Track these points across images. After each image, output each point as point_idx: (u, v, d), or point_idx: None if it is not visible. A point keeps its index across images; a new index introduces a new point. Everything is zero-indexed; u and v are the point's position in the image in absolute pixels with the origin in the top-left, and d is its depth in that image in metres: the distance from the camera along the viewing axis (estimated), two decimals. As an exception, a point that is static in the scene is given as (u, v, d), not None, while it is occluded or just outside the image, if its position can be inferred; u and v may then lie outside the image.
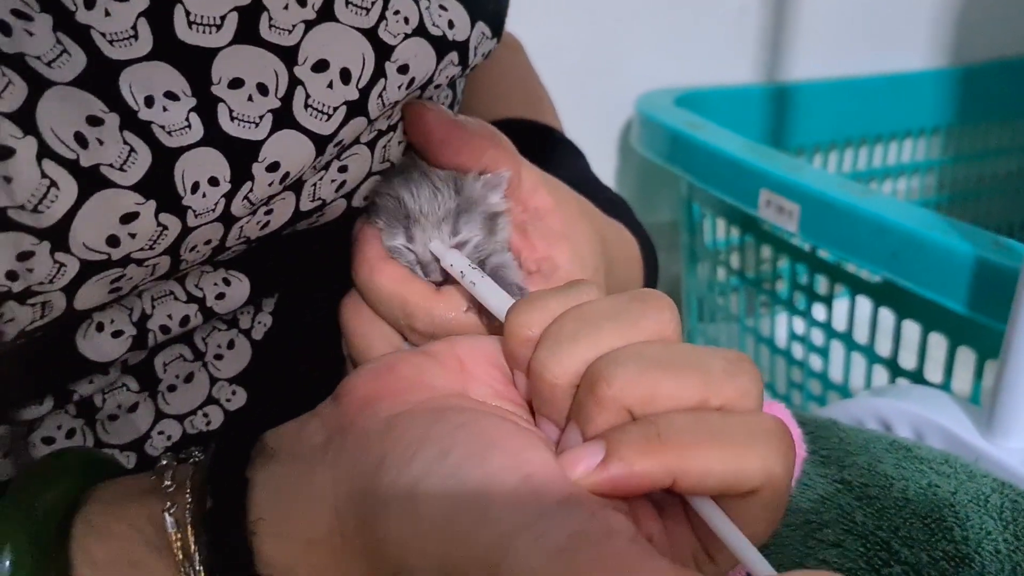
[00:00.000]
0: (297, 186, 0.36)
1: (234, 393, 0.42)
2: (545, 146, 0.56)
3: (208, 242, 0.35)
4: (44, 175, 0.29)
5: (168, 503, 0.30)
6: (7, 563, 0.29)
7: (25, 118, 0.28)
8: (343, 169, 0.38)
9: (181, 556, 0.29)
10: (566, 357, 0.28)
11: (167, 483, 0.31)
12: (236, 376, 0.42)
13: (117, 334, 0.37)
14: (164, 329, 0.38)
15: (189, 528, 0.30)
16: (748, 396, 0.28)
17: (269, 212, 0.36)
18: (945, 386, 0.86)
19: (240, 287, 0.40)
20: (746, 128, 1.25)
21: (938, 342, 0.86)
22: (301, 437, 0.32)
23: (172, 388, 0.40)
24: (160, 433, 0.40)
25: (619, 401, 0.27)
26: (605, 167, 1.31)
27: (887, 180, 1.48)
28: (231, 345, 0.42)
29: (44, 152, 0.29)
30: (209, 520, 0.30)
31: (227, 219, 0.34)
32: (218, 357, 0.41)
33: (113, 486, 0.33)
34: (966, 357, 0.84)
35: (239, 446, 0.32)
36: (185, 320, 0.39)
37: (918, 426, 0.69)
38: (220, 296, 0.39)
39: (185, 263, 0.35)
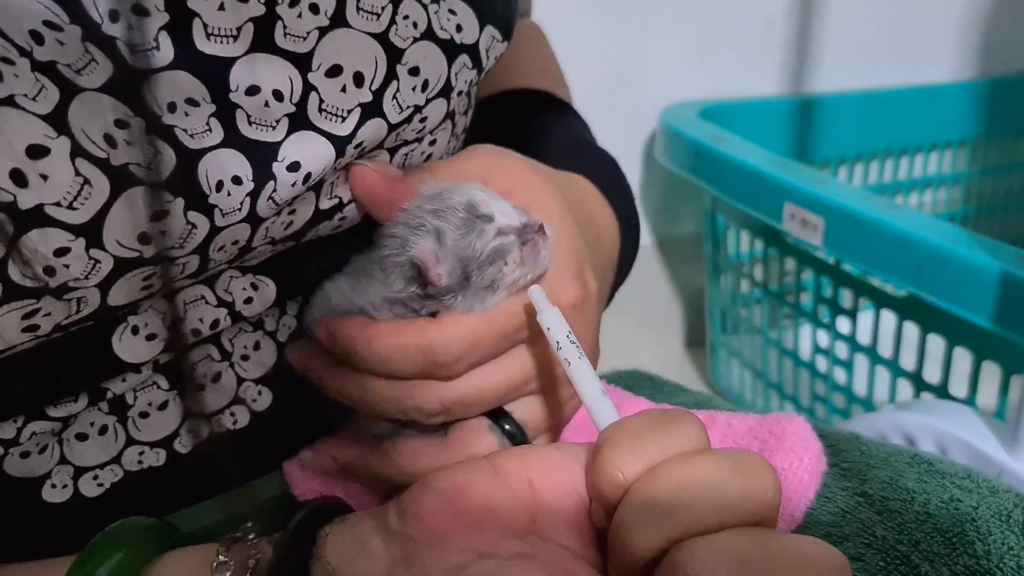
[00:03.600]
0: (317, 186, 0.38)
1: (260, 393, 0.43)
2: (532, 111, 0.56)
3: (236, 242, 0.36)
4: (78, 173, 0.30)
5: None
6: None
7: (58, 119, 0.30)
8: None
9: None
10: (655, 533, 0.27)
11: None
12: (262, 377, 0.43)
13: (151, 337, 0.38)
14: (195, 332, 0.39)
15: None
16: None
17: (292, 212, 0.37)
18: (970, 401, 0.86)
19: (267, 291, 0.41)
20: (771, 140, 1.25)
21: (963, 356, 0.86)
22: (362, 557, 0.31)
23: (201, 388, 0.42)
24: (189, 431, 0.42)
25: None
26: (629, 178, 1.31)
27: (912, 192, 1.47)
28: (257, 346, 0.43)
29: (77, 151, 0.30)
30: None
31: (253, 219, 0.35)
32: (244, 358, 0.43)
33: (169, 570, 0.33)
34: (991, 372, 0.83)
35: (298, 554, 0.32)
36: (215, 323, 0.40)
37: (942, 441, 0.69)
38: (248, 300, 0.40)
39: (214, 263, 0.36)
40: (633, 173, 1.32)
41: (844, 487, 0.46)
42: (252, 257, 0.39)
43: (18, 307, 0.31)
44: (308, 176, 0.36)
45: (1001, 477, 0.49)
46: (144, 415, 0.40)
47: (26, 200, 0.29)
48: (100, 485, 0.40)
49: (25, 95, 0.29)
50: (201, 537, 0.41)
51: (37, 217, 0.30)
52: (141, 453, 0.41)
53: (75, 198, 0.30)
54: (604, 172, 0.51)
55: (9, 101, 0.29)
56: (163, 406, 0.41)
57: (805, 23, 1.33)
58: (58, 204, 0.30)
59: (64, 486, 0.39)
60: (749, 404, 1.24)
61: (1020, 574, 0.40)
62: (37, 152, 0.29)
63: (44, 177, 0.30)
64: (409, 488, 0.32)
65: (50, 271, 0.30)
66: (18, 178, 0.29)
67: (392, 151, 0.40)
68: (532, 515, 0.31)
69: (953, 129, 1.46)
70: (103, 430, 0.39)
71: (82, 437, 0.39)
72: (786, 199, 0.89)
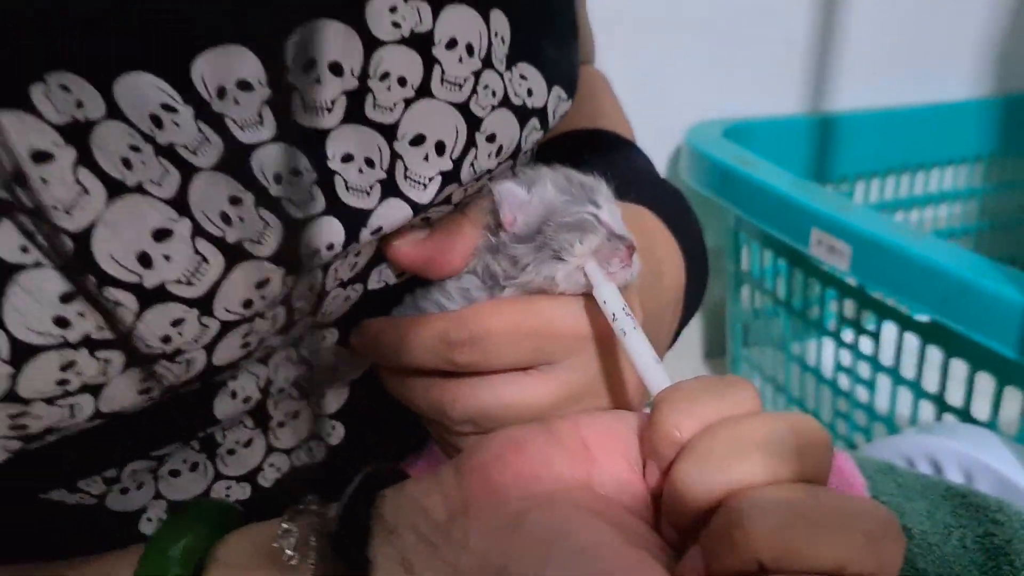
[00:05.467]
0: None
1: (334, 428, 0.46)
2: (596, 146, 0.56)
3: (311, 287, 0.38)
4: (197, 251, 0.32)
5: None
6: None
7: (180, 202, 0.31)
8: (426, 219, 0.42)
9: None
10: (712, 483, 0.28)
11: (288, 553, 0.32)
12: (336, 412, 0.46)
13: (246, 400, 0.40)
14: (279, 390, 0.42)
15: None
16: (887, 569, 0.26)
17: (358, 255, 0.39)
18: (991, 424, 0.88)
19: (331, 339, 0.43)
20: (792, 157, 1.27)
21: (985, 379, 0.88)
22: (421, 510, 0.32)
23: (281, 424, 0.44)
24: (271, 465, 0.44)
25: (753, 553, 0.26)
26: (652, 194, 1.33)
27: (928, 207, 1.50)
28: (331, 383, 0.45)
29: (197, 231, 0.32)
30: None
31: (325, 267, 0.37)
32: (321, 396, 0.45)
33: (237, 547, 0.35)
34: (1013, 395, 0.85)
35: (359, 514, 0.33)
36: (296, 380, 0.42)
37: (968, 466, 0.71)
38: (312, 351, 0.43)
39: (296, 311, 0.38)
40: (656, 189, 1.34)
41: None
42: (327, 306, 0.40)
43: (136, 372, 0.32)
44: (380, 230, 0.38)
45: (1030, 509, 0.51)
46: (231, 452, 0.43)
47: (150, 280, 0.31)
48: None
49: (151, 180, 0.30)
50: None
51: (159, 294, 0.31)
52: (228, 487, 0.43)
53: (192, 274, 0.32)
54: (670, 205, 0.52)
55: (139, 188, 0.30)
56: (248, 443, 0.43)
57: (824, 42, 1.36)
58: (178, 281, 0.31)
59: (160, 519, 0.42)
60: (770, 418, 1.26)
61: None
62: (162, 235, 0.31)
63: (167, 257, 0.31)
64: (466, 447, 0.34)
65: (166, 339, 0.32)
66: (144, 260, 0.31)
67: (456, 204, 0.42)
68: (587, 471, 0.31)
69: (969, 145, 1.48)
70: (194, 466, 0.42)
71: (175, 473, 0.42)
72: (813, 225, 0.91)
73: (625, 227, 0.40)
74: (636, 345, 0.35)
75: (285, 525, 0.33)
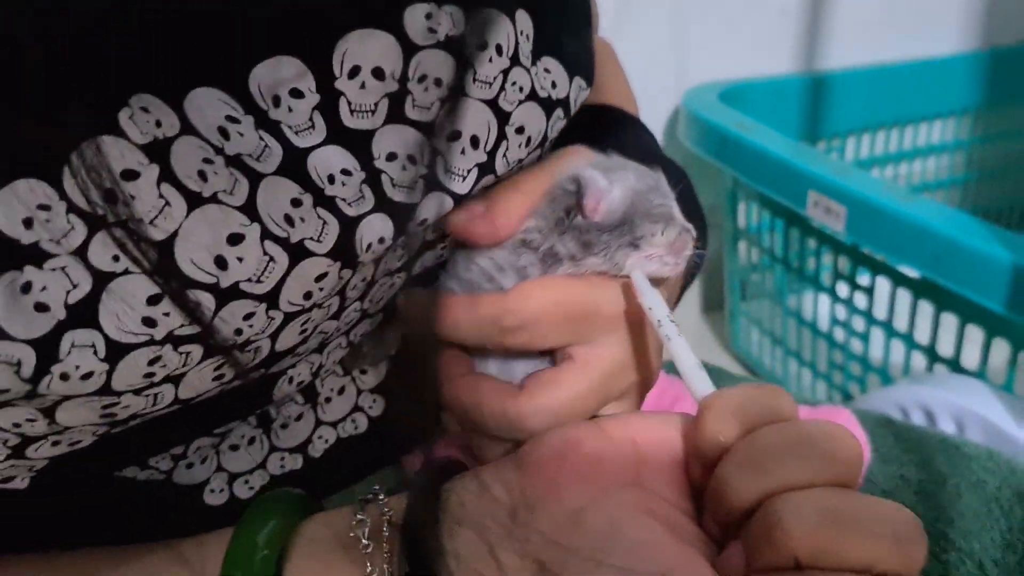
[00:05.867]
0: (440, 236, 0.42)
1: (375, 401, 0.49)
2: (605, 124, 0.58)
3: (364, 279, 0.40)
4: (265, 252, 0.34)
5: (368, 568, 0.34)
6: None
7: (250, 208, 0.33)
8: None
9: None
10: (753, 485, 0.30)
11: (364, 542, 0.35)
12: (376, 387, 0.49)
13: (300, 384, 0.44)
14: (327, 372, 0.45)
15: None
16: (912, 568, 0.28)
17: (404, 246, 0.42)
18: (981, 373, 0.91)
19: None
20: (786, 116, 1.30)
21: (974, 331, 0.91)
22: (485, 502, 0.34)
23: (328, 400, 0.47)
24: (319, 438, 0.47)
25: (791, 551, 0.28)
26: (649, 155, 1.36)
27: (917, 160, 1.53)
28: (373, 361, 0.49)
29: (265, 235, 0.34)
30: None
31: (376, 260, 0.40)
32: (363, 372, 0.48)
33: (316, 533, 0.38)
34: (1001, 346, 0.89)
35: (427, 507, 0.35)
36: (342, 362, 0.46)
37: (959, 416, 0.75)
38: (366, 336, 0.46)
39: (348, 300, 0.41)
40: (654, 149, 1.36)
41: (885, 472, 0.52)
42: (375, 294, 0.43)
43: (212, 362, 0.35)
44: (424, 221, 0.40)
45: (1019, 456, 0.55)
46: (284, 426, 0.46)
47: (225, 280, 0.33)
48: (251, 488, 0.46)
49: (224, 190, 0.33)
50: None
51: (233, 293, 0.34)
52: (282, 459, 0.47)
53: (262, 273, 0.34)
54: (676, 184, 0.55)
55: (213, 198, 0.32)
56: (299, 418, 0.47)
57: (816, 2, 1.38)
58: (249, 280, 0.34)
59: (221, 490, 0.45)
60: (768, 370, 1.30)
61: None
62: (235, 240, 0.33)
63: (240, 260, 0.33)
64: (525, 444, 0.36)
65: (238, 332, 0.35)
66: (220, 263, 0.33)
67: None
68: (636, 469, 0.34)
69: (956, 99, 1.50)
70: (251, 441, 0.45)
71: (234, 448, 0.45)
72: (810, 187, 0.94)
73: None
74: (680, 351, 0.37)
75: (359, 516, 0.36)
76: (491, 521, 0.34)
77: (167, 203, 0.32)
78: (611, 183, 0.40)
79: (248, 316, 0.35)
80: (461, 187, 0.40)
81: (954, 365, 0.96)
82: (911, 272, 0.97)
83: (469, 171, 0.40)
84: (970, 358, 0.93)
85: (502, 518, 0.34)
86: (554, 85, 0.44)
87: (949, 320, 0.94)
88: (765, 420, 0.31)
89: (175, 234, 0.32)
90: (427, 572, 0.33)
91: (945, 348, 0.96)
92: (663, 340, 0.38)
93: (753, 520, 0.30)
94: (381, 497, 0.37)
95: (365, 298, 0.43)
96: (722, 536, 0.32)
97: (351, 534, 0.36)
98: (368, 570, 0.34)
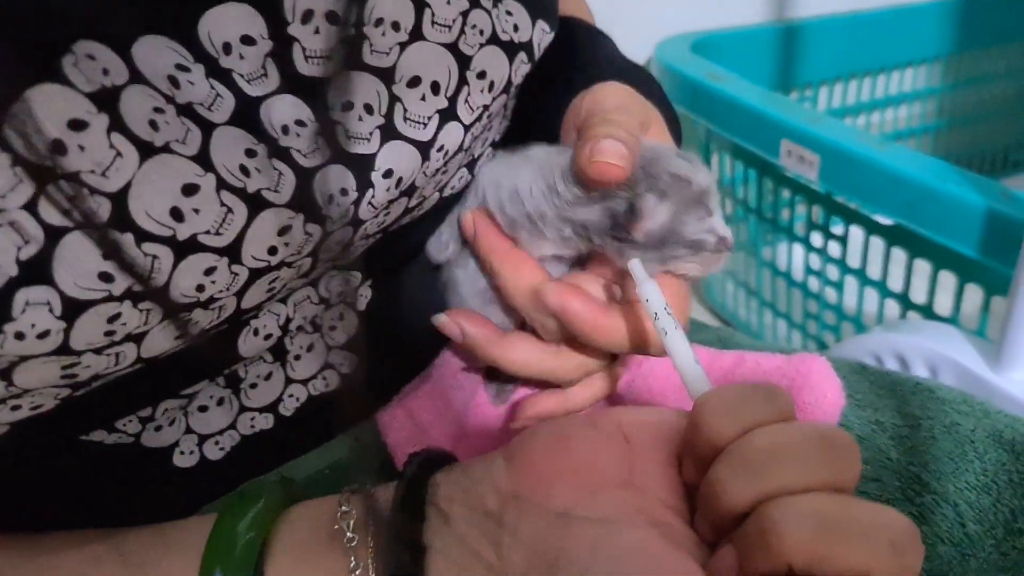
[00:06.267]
0: (409, 190, 0.42)
1: (346, 358, 0.48)
2: (575, 41, 0.57)
3: (339, 242, 0.39)
4: (222, 203, 0.33)
5: (352, 562, 0.34)
6: None
7: (203, 158, 0.33)
8: (444, 171, 0.44)
9: None
10: (747, 489, 0.29)
11: (349, 534, 0.34)
12: (347, 343, 0.48)
13: (267, 337, 0.43)
14: (299, 327, 0.44)
15: None
16: (909, 573, 0.28)
17: (387, 213, 0.41)
18: (954, 319, 0.92)
19: (354, 282, 0.46)
20: (758, 66, 1.29)
21: (947, 278, 0.91)
22: (473, 498, 0.34)
23: (298, 357, 0.46)
24: (290, 396, 0.47)
25: (785, 558, 0.27)
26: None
27: (889, 108, 1.53)
28: (342, 317, 0.47)
29: (221, 184, 0.33)
30: None
31: (356, 223, 0.39)
32: (332, 328, 0.47)
33: (298, 526, 0.37)
34: (973, 291, 0.89)
35: (414, 501, 0.35)
36: (315, 318, 0.45)
37: (932, 361, 0.76)
38: (340, 293, 0.45)
39: (321, 262, 0.40)
40: (625, 103, 1.35)
41: (860, 417, 0.52)
42: (349, 254, 0.42)
43: (175, 319, 0.34)
44: (400, 181, 0.39)
45: (991, 399, 0.55)
46: (253, 385, 0.46)
47: (182, 232, 0.33)
48: (221, 449, 0.45)
49: (177, 140, 0.32)
50: (312, 486, 0.47)
51: (191, 246, 0.33)
52: (252, 418, 0.46)
53: (220, 225, 0.33)
54: (652, 89, 0.54)
55: (166, 148, 0.32)
56: (268, 376, 0.46)
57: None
58: (207, 232, 0.33)
59: (191, 452, 0.45)
60: (743, 321, 1.30)
61: (1011, 486, 0.46)
62: (190, 190, 0.32)
63: (196, 211, 0.33)
64: (515, 438, 0.35)
65: (200, 288, 0.34)
66: (176, 214, 0.32)
67: (468, 151, 0.44)
68: (629, 467, 0.33)
69: (928, 46, 1.50)
70: (220, 401, 0.45)
71: (203, 408, 0.44)
72: (783, 136, 0.94)
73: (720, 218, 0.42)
74: (677, 345, 0.36)
75: (344, 507, 0.35)
76: (479, 519, 0.33)
77: (119, 153, 0.31)
78: (660, 206, 0.40)
79: (209, 271, 0.34)
80: (423, 134, 0.40)
81: (927, 312, 0.96)
82: (884, 220, 0.97)
83: (430, 118, 0.40)
84: (943, 305, 0.94)
85: (490, 516, 0.33)
86: (516, 28, 0.43)
87: (922, 267, 0.94)
88: (761, 420, 0.31)
89: (128, 185, 0.31)
90: (413, 569, 0.33)
91: (918, 295, 0.97)
92: (659, 334, 0.37)
93: (747, 524, 0.29)
94: (367, 487, 0.36)
95: (338, 260, 0.42)
96: (714, 537, 0.31)
97: (335, 526, 0.35)
98: (352, 564, 0.34)
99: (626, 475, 0.33)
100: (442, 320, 0.45)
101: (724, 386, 0.33)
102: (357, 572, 0.33)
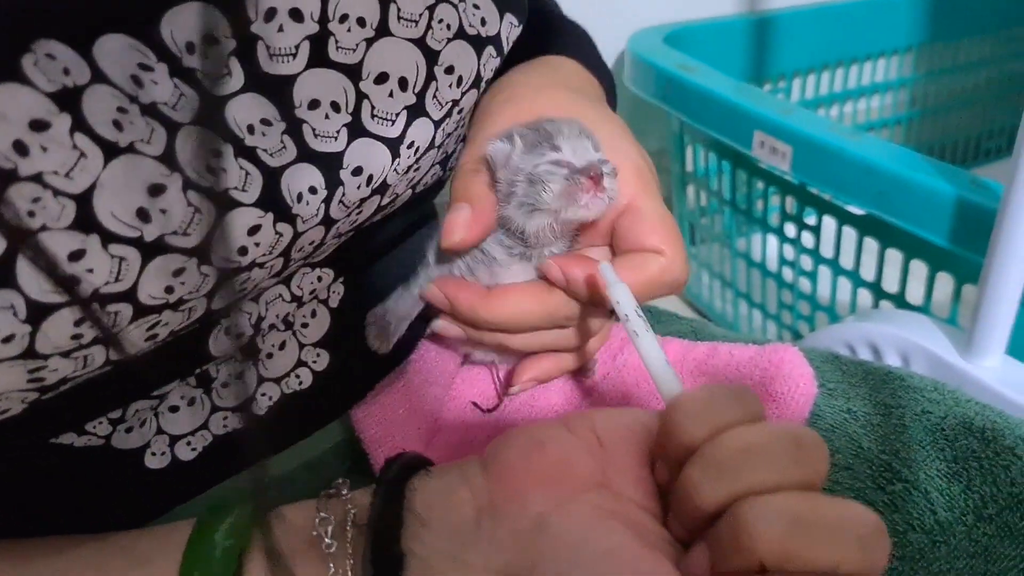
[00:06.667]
0: (381, 188, 0.41)
1: (319, 355, 0.48)
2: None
3: (312, 242, 0.39)
4: (189, 203, 0.33)
5: (332, 568, 0.34)
6: None
7: (169, 157, 0.32)
8: (417, 168, 0.43)
9: None
10: (719, 489, 0.29)
11: (328, 541, 0.34)
12: (319, 340, 0.48)
13: (239, 336, 0.42)
14: (271, 326, 0.44)
15: None
16: (875, 569, 0.28)
17: (359, 212, 0.41)
18: (925, 308, 0.93)
19: (327, 279, 0.45)
20: (732, 59, 1.29)
21: (919, 267, 0.92)
22: (450, 505, 0.34)
23: (270, 356, 0.46)
24: (263, 395, 0.47)
25: (757, 556, 0.28)
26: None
27: (861, 99, 1.54)
28: (313, 314, 0.47)
29: (188, 184, 0.33)
30: None
31: (327, 222, 0.39)
32: (304, 326, 0.47)
33: (274, 531, 0.36)
34: (945, 280, 0.90)
35: (392, 505, 0.35)
36: (287, 316, 0.44)
37: (904, 349, 0.76)
38: (312, 292, 0.45)
39: (293, 262, 0.40)
40: (599, 95, 1.35)
41: (832, 405, 0.52)
42: (321, 253, 0.42)
43: (144, 322, 0.34)
44: (371, 178, 0.39)
45: (962, 387, 0.55)
46: (225, 385, 0.45)
47: (150, 232, 0.32)
48: (193, 449, 0.45)
49: (142, 140, 0.32)
50: (286, 484, 0.47)
51: (159, 247, 0.33)
52: (225, 418, 0.46)
53: (188, 225, 0.33)
54: (582, 47, 0.55)
55: (131, 148, 0.31)
56: (240, 375, 0.46)
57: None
58: (175, 233, 0.33)
59: (163, 453, 0.44)
60: (719, 313, 1.31)
61: (981, 473, 0.46)
62: (157, 190, 0.32)
63: (163, 211, 0.32)
64: (490, 444, 0.36)
65: (169, 289, 0.34)
66: (143, 215, 0.32)
67: (440, 148, 0.44)
68: (603, 470, 0.34)
69: (900, 36, 1.51)
70: (192, 401, 0.44)
71: (174, 409, 0.44)
72: (756, 128, 0.94)
73: (598, 153, 0.42)
74: (648, 347, 0.36)
75: (323, 513, 0.35)
76: (456, 525, 0.34)
77: (82, 154, 0.30)
78: (506, 146, 0.42)
79: (178, 272, 0.34)
80: (391, 131, 0.40)
81: (899, 301, 0.97)
82: (856, 210, 0.97)
83: (398, 115, 0.40)
84: (915, 293, 0.94)
85: (468, 522, 0.33)
86: (484, 22, 0.43)
87: (894, 256, 0.95)
88: (732, 421, 0.31)
89: (93, 186, 0.31)
90: (391, 575, 0.33)
91: (890, 284, 0.98)
92: (630, 336, 0.38)
93: (719, 524, 0.29)
94: (344, 493, 0.37)
95: (310, 258, 0.42)
96: (688, 537, 0.32)
97: (313, 532, 0.35)
98: (331, 571, 0.34)
99: (600, 477, 0.33)
100: (428, 290, 0.45)
101: (695, 388, 0.33)
102: None
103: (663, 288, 0.43)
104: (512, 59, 0.48)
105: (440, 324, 0.46)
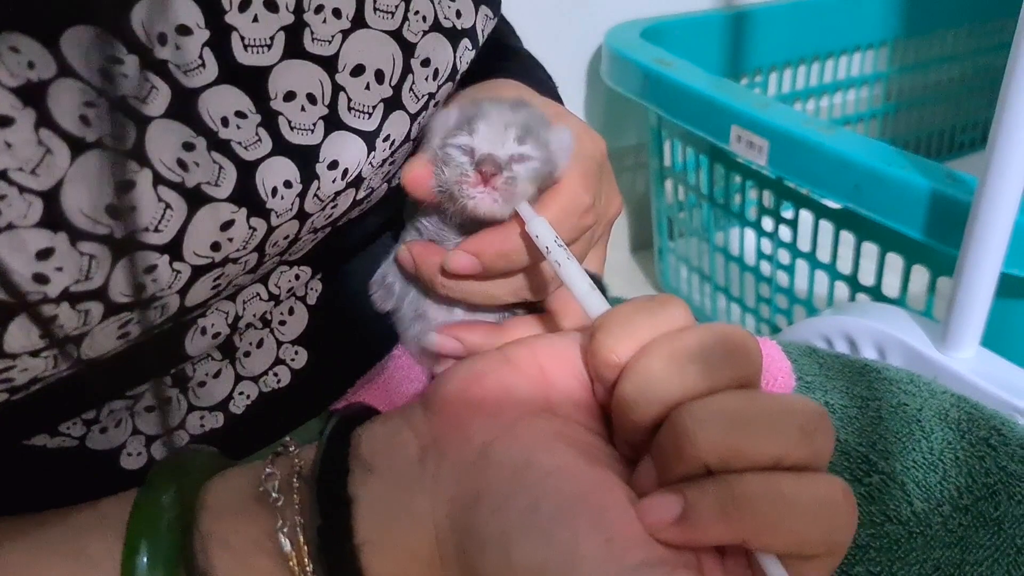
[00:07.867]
0: (356, 181, 0.41)
1: (297, 353, 0.48)
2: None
3: (287, 237, 0.39)
4: (160, 199, 0.33)
5: (280, 521, 0.33)
6: (144, 560, 0.33)
7: (139, 153, 0.32)
8: (392, 162, 0.43)
9: (298, 571, 0.32)
10: (653, 400, 0.29)
11: (274, 495, 0.34)
12: (297, 338, 0.47)
13: (216, 335, 0.42)
14: (248, 325, 0.44)
15: (303, 547, 0.33)
16: (820, 456, 0.29)
17: (334, 206, 0.41)
18: (901, 300, 0.93)
19: (305, 277, 0.45)
20: (708, 53, 1.30)
21: (894, 260, 0.93)
22: (394, 447, 0.34)
23: (247, 354, 0.46)
24: (240, 394, 0.46)
25: (700, 460, 0.28)
26: (574, 95, 1.35)
27: (837, 93, 1.55)
28: (291, 312, 0.47)
29: (158, 180, 0.32)
30: (320, 542, 0.32)
31: (302, 216, 0.38)
32: (282, 323, 0.47)
33: (224, 491, 0.36)
34: (920, 272, 0.91)
35: (337, 455, 0.34)
36: (264, 315, 0.44)
37: (880, 342, 0.77)
38: (290, 290, 0.45)
39: (268, 257, 0.40)
40: (579, 89, 1.35)
41: (809, 398, 0.53)
42: (297, 249, 0.42)
43: (115, 320, 0.33)
44: (346, 172, 0.39)
45: (937, 379, 0.56)
46: (201, 384, 0.45)
47: (120, 230, 0.32)
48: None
49: (110, 135, 0.31)
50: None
51: (130, 244, 0.32)
52: (202, 417, 0.45)
53: (159, 221, 0.33)
54: (531, 72, 0.54)
55: (98, 143, 0.31)
56: (217, 374, 0.45)
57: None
58: (147, 229, 0.32)
59: (139, 453, 0.44)
60: (698, 306, 1.31)
61: (957, 464, 0.47)
62: (126, 186, 0.32)
63: (133, 208, 0.32)
64: (430, 383, 0.36)
65: (140, 287, 0.33)
66: (113, 212, 0.31)
67: (416, 141, 0.44)
68: (545, 395, 0.33)
69: (875, 31, 1.52)
70: (167, 401, 0.44)
71: (151, 409, 0.43)
72: (733, 122, 0.94)
73: (517, 145, 0.40)
74: (572, 275, 0.36)
75: (268, 469, 0.35)
76: (402, 467, 0.33)
77: (48, 150, 0.30)
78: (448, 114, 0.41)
79: (150, 269, 0.33)
80: (368, 124, 0.39)
81: (876, 293, 0.98)
82: (833, 204, 0.98)
83: (375, 107, 0.39)
84: (891, 286, 0.95)
85: (412, 463, 0.33)
86: (459, 15, 0.43)
87: (870, 249, 0.95)
88: (658, 331, 0.31)
89: (60, 183, 0.30)
90: (340, 521, 0.33)
91: (867, 277, 0.98)
92: (553, 267, 0.37)
93: (659, 435, 0.29)
94: (292, 449, 0.36)
95: (285, 254, 0.41)
96: (632, 453, 0.32)
97: (260, 488, 0.34)
98: (279, 523, 0.33)
99: (543, 403, 0.33)
100: (437, 341, 0.43)
101: (617, 306, 0.33)
102: (284, 530, 0.33)
103: (574, 214, 0.41)
104: (462, 84, 0.48)
105: (438, 340, 0.45)
